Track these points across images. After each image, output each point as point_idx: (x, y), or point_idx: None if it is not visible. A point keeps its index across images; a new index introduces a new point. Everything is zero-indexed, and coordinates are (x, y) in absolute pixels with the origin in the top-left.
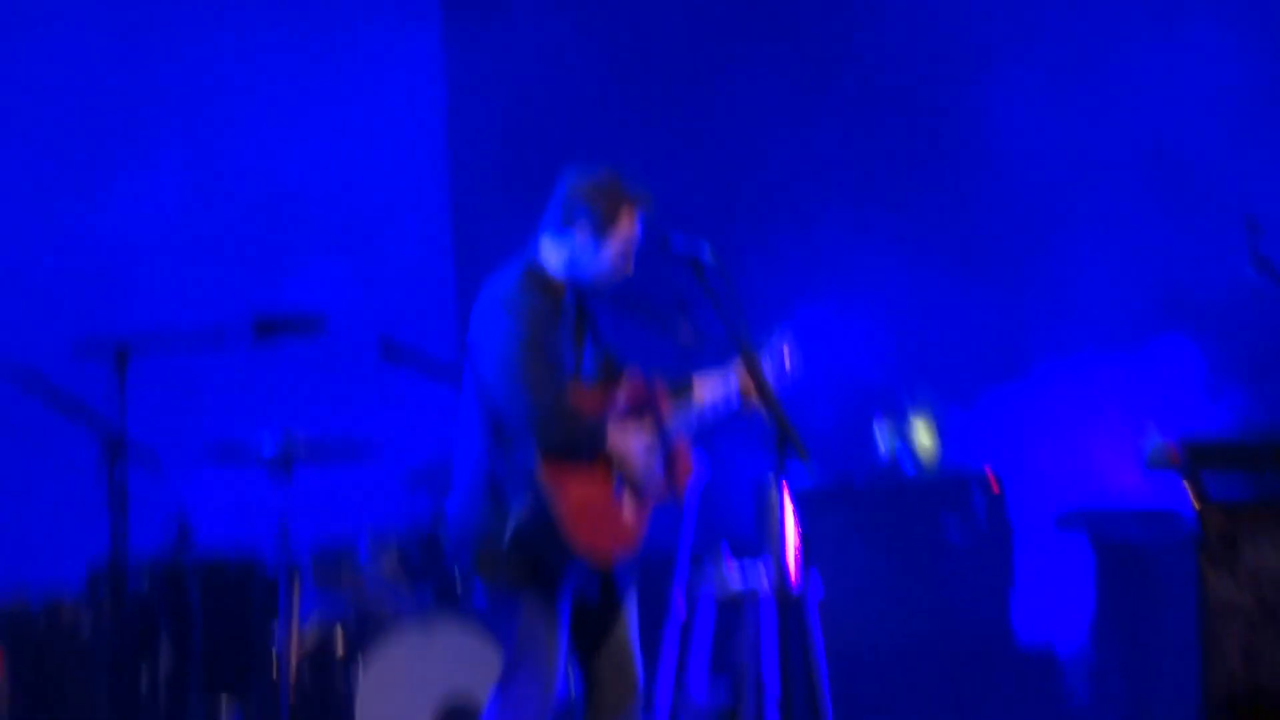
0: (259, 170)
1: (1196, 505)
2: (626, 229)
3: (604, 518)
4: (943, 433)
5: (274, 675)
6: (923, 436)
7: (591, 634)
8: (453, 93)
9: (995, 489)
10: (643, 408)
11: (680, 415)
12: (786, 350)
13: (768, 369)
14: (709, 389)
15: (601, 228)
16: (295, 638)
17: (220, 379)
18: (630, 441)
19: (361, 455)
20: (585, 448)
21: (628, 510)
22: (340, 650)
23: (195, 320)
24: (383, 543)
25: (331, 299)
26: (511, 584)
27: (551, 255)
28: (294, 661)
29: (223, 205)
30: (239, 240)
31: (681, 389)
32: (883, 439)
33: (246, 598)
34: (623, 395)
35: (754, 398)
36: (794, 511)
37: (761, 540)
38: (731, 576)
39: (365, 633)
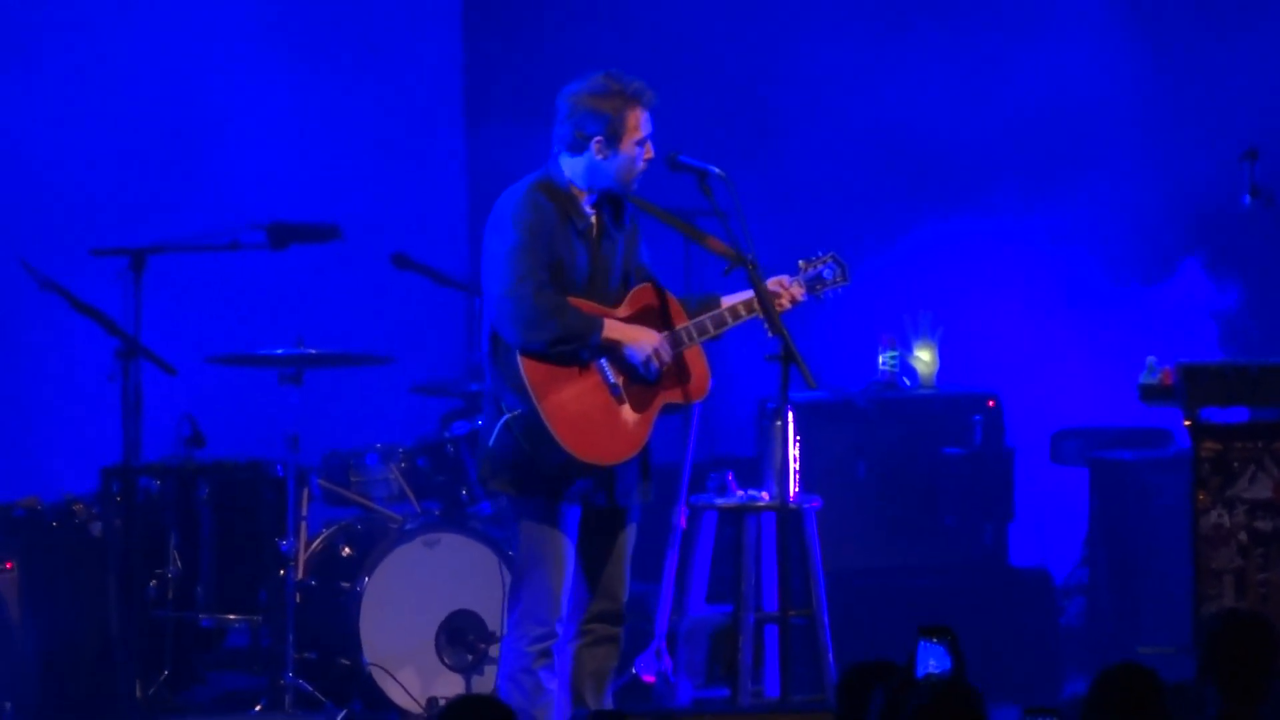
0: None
1: (1190, 431)
2: (636, 129)
3: (594, 422)
4: (942, 351)
5: (281, 579)
6: (923, 354)
7: (591, 536)
8: (467, 7)
9: (992, 406)
10: (650, 313)
11: (696, 325)
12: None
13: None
14: (732, 304)
15: (614, 136)
16: (303, 543)
17: (235, 286)
18: (629, 332)
19: (373, 365)
20: (563, 337)
21: (626, 414)
22: (347, 556)
23: (211, 227)
24: (391, 453)
25: (345, 210)
26: (511, 488)
27: (571, 169)
28: (301, 567)
29: (231, 115)
30: (255, 153)
31: (701, 301)
32: (884, 356)
33: (256, 502)
34: (628, 302)
35: (762, 316)
36: (794, 426)
37: (763, 455)
38: (732, 489)
39: (372, 542)
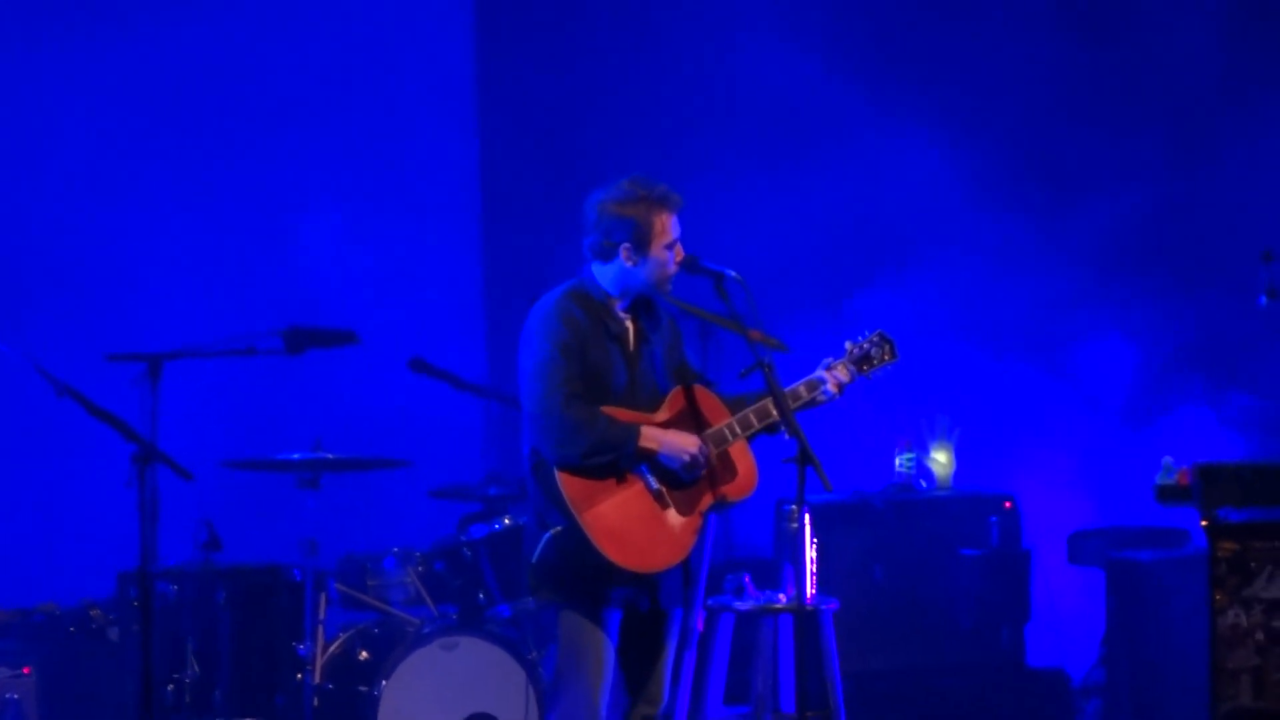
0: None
1: (1207, 532)
2: (664, 233)
3: (636, 530)
4: (959, 452)
5: (298, 683)
6: (939, 455)
7: (633, 640)
8: (484, 113)
9: (1008, 507)
10: (688, 414)
11: (740, 420)
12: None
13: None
14: (772, 402)
15: (641, 242)
16: (320, 647)
17: (251, 391)
18: (667, 438)
19: (390, 470)
20: (597, 448)
21: (671, 518)
22: (364, 660)
23: (227, 331)
24: (408, 557)
25: (362, 315)
26: (552, 597)
27: (602, 276)
28: (318, 671)
29: (249, 220)
30: (270, 255)
31: (742, 400)
32: (901, 458)
33: (273, 606)
34: (666, 405)
35: (778, 418)
36: (811, 528)
37: (780, 557)
38: (750, 591)
39: (389, 645)
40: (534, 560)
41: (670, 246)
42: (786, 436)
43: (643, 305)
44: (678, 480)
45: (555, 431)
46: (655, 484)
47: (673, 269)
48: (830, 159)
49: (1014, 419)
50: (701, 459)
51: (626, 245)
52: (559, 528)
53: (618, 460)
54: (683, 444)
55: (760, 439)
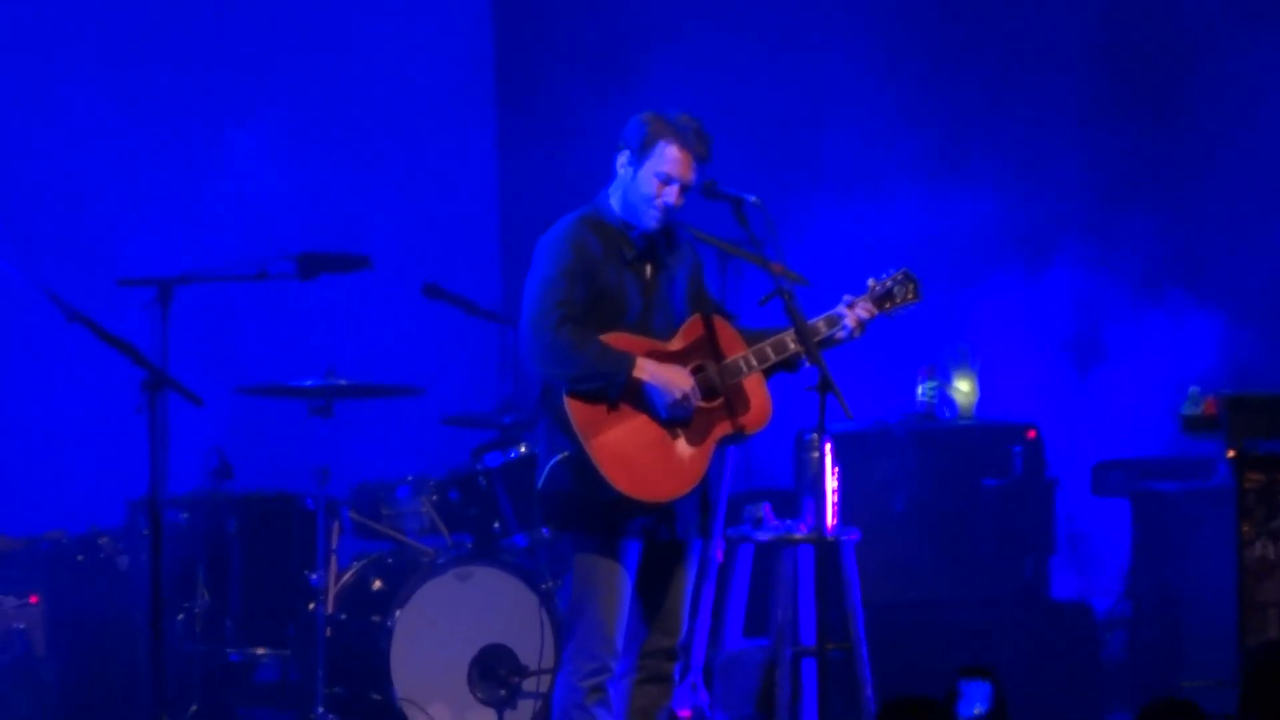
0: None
1: (1234, 463)
2: (661, 160)
3: (645, 459)
4: (981, 381)
5: (311, 613)
6: (962, 384)
7: (651, 571)
8: (500, 36)
9: (1032, 437)
10: (703, 345)
11: (756, 353)
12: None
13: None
14: (794, 333)
15: (637, 154)
16: (333, 577)
17: (263, 317)
18: (660, 372)
19: (403, 397)
20: (585, 374)
21: (681, 448)
22: (378, 589)
23: (240, 255)
24: (422, 486)
25: (376, 240)
26: (570, 526)
27: (614, 192)
28: (331, 601)
29: (261, 144)
30: (281, 179)
31: (761, 334)
32: (923, 387)
33: (285, 535)
34: (681, 334)
35: (798, 347)
36: (832, 458)
37: (800, 487)
38: (769, 521)
39: (403, 575)
40: (540, 486)
41: (664, 178)
42: (808, 364)
43: (662, 231)
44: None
45: (545, 352)
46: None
47: (657, 203)
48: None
49: (1038, 347)
50: (689, 401)
51: (627, 151)
52: (565, 453)
53: (608, 389)
54: (674, 380)
55: (778, 376)
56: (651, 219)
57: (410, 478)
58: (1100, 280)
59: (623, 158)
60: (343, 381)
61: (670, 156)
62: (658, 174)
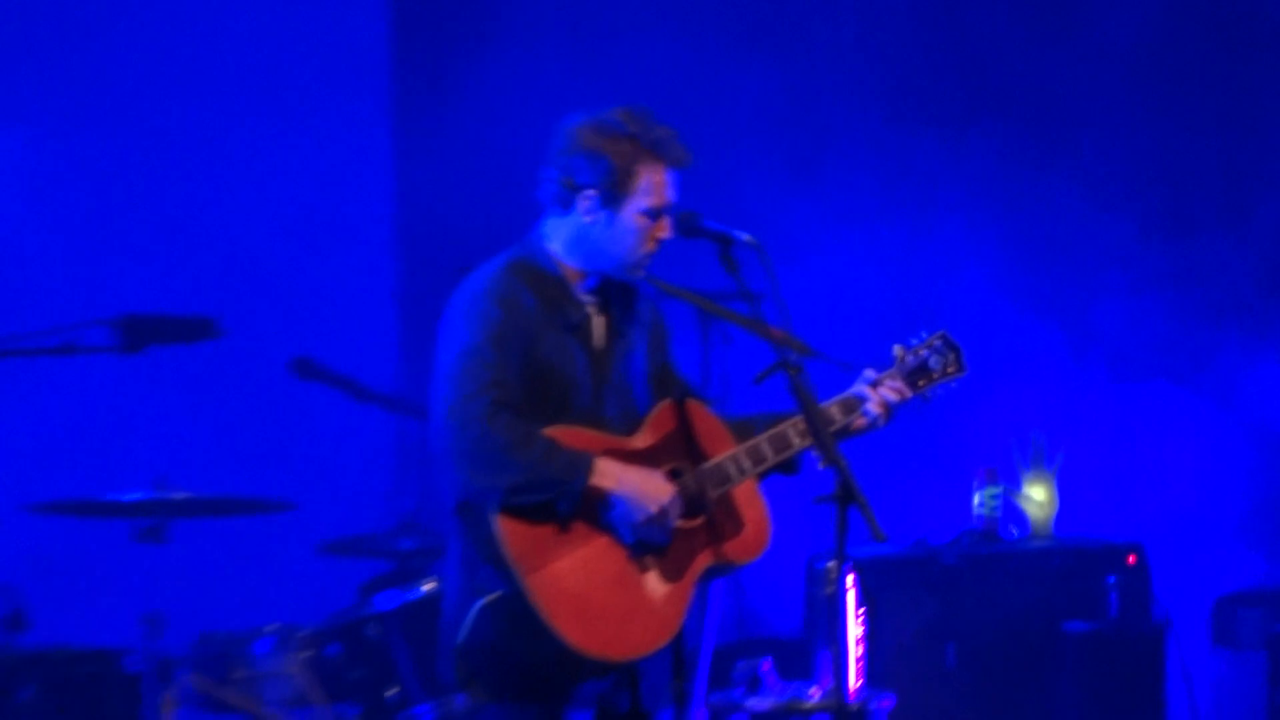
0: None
1: None
2: (647, 193)
3: (606, 602)
4: (1062, 487)
5: None
6: (1036, 492)
7: None
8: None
9: (1133, 563)
10: (677, 441)
11: (750, 452)
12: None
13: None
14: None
15: (611, 193)
16: None
17: (73, 405)
18: (628, 480)
19: (265, 515)
20: (527, 483)
21: (652, 585)
22: None
23: (39, 320)
24: (290, 638)
25: (227, 300)
26: (491, 692)
27: (558, 236)
28: None
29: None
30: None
31: (753, 423)
32: (981, 496)
33: (99, 707)
34: (650, 425)
35: (809, 441)
36: (858, 598)
37: (813, 635)
38: (770, 683)
39: None
40: (460, 640)
41: (652, 214)
42: (820, 467)
43: (616, 285)
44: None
45: (470, 452)
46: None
47: (649, 246)
48: None
49: (1139, 444)
50: (667, 518)
51: (591, 192)
52: (495, 594)
53: (558, 502)
54: (647, 489)
55: (776, 479)
56: (640, 273)
57: (273, 627)
58: None
59: (586, 203)
60: (180, 495)
61: (657, 184)
62: (647, 211)
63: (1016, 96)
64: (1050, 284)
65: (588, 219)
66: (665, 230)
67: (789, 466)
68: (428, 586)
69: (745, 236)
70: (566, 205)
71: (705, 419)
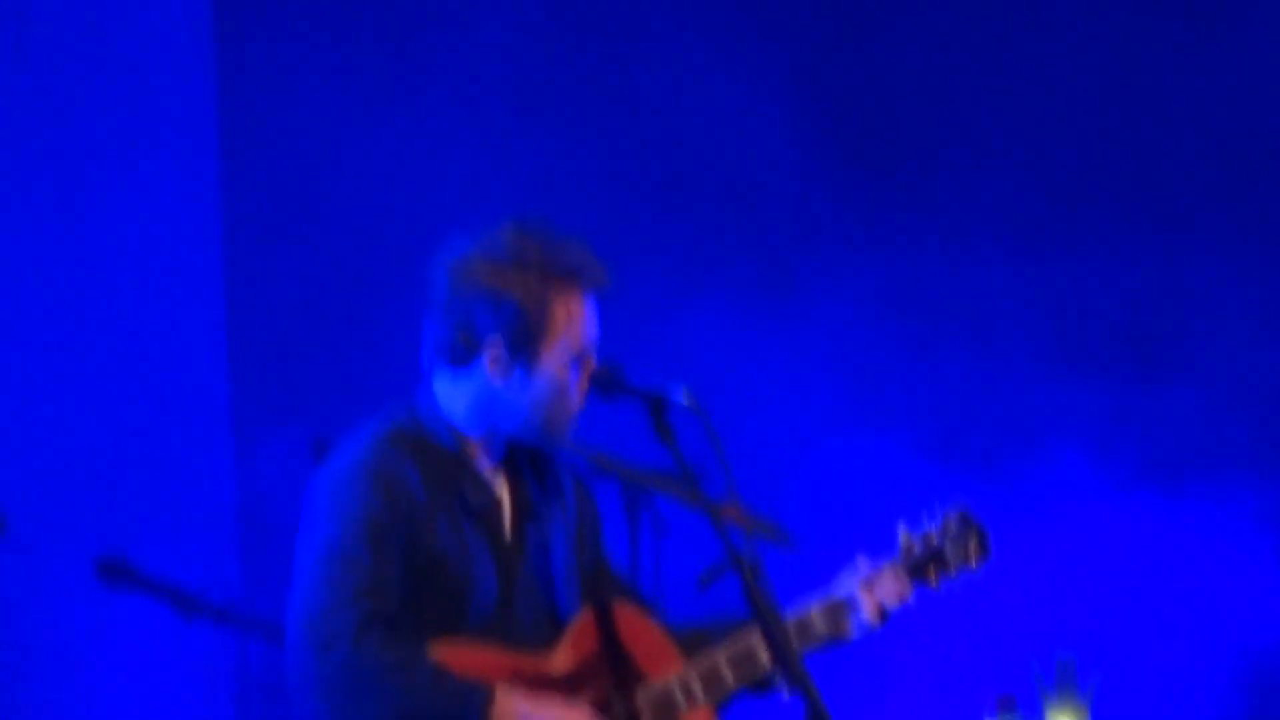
0: None
1: None
2: (571, 335)
3: None
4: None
5: None
6: None
7: None
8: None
9: None
10: (602, 660)
11: (703, 673)
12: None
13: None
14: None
15: (526, 346)
16: None
17: None
18: (538, 713)
19: None
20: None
21: None
22: None
23: None
24: None
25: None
26: None
27: (451, 400)
28: None
29: None
30: None
31: (706, 634)
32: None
33: None
34: (571, 639)
35: (771, 661)
36: None
37: None
38: None
39: None
40: None
41: (579, 358)
42: (785, 696)
43: (527, 453)
44: None
45: (334, 683)
46: None
47: (578, 399)
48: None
49: (1175, 664)
50: None
51: (498, 346)
52: None
53: None
54: None
55: (741, 703)
56: (564, 438)
57: None
58: None
59: (492, 358)
60: None
61: (577, 318)
62: (574, 359)
63: None
64: None
65: (498, 380)
66: (591, 367)
67: (760, 686)
68: None
69: (682, 394)
70: (463, 361)
71: (643, 629)
